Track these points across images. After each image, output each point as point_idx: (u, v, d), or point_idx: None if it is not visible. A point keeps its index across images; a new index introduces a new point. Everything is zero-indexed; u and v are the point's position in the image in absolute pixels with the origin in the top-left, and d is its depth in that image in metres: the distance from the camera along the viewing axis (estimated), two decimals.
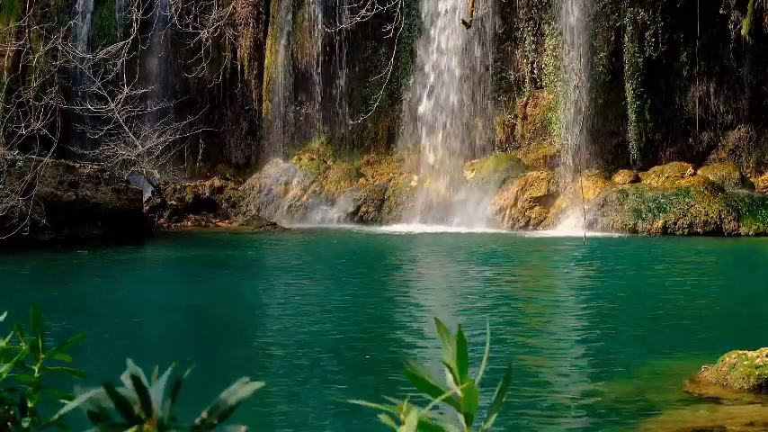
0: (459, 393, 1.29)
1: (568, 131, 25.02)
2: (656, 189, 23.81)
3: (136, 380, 1.17)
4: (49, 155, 16.50)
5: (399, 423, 1.27)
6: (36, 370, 1.76)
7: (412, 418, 1.26)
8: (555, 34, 25.46)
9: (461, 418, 1.30)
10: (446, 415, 1.32)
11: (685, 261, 18.32)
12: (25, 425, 1.68)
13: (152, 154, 26.91)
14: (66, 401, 1.47)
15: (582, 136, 24.94)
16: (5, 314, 1.93)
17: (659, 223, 22.81)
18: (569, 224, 23.47)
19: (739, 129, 25.44)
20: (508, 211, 24.69)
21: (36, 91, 17.78)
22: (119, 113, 22.37)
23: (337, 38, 28.12)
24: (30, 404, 1.71)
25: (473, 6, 18.92)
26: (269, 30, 29.35)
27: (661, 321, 11.64)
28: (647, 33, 24.93)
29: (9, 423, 1.69)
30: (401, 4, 21.55)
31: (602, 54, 25.17)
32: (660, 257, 18.70)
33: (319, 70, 28.71)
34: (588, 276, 16.75)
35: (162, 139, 27.07)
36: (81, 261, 18.55)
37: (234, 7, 27.45)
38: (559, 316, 12.62)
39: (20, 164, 18.94)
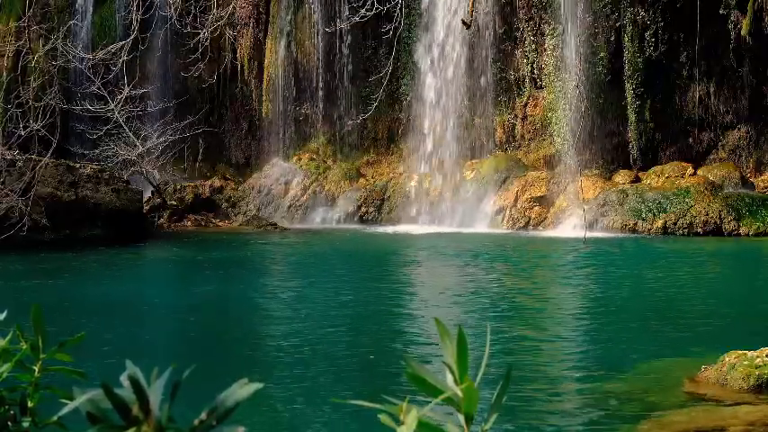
0: (460, 393, 1.29)
1: (568, 131, 25.01)
2: (656, 189, 23.80)
3: (134, 381, 1.16)
4: (48, 155, 16.49)
5: (399, 423, 1.27)
6: (36, 370, 1.76)
7: (412, 418, 1.25)
8: (555, 34, 25.45)
9: (461, 418, 1.30)
10: (446, 415, 1.32)
11: (685, 261, 18.31)
12: (25, 424, 1.68)
13: (152, 154, 26.90)
14: (66, 401, 1.47)
15: (582, 136, 24.92)
16: (5, 313, 1.93)
17: (659, 223, 22.81)
18: (569, 224, 23.46)
19: (739, 129, 25.42)
20: (508, 211, 24.69)
21: (35, 91, 17.76)
22: (119, 113, 22.36)
23: (337, 38, 28.11)
24: (30, 404, 1.71)
25: (473, 6, 18.92)
26: (269, 30, 29.34)
27: (661, 321, 11.64)
28: (647, 33, 24.92)
29: (9, 422, 1.69)
30: (401, 4, 21.53)
31: (602, 54, 25.16)
32: (660, 257, 18.70)
33: (319, 70, 28.70)
34: (588, 276, 16.75)
35: (162, 139, 27.07)
36: (81, 261, 18.54)
37: (234, 7, 27.45)
38: (559, 316, 12.62)
39: (20, 164, 18.94)
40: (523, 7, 26.07)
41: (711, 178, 24.28)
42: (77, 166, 22.10)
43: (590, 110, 25.12)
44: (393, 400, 1.29)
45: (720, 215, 22.66)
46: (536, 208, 24.56)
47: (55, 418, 1.65)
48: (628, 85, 25.10)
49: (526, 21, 26.14)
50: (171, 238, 23.35)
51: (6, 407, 1.70)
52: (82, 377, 1.75)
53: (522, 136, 26.59)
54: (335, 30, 26.20)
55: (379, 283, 15.73)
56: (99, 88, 21.02)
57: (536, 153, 26.14)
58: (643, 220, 22.99)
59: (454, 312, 12.39)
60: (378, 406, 1.30)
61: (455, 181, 26.14)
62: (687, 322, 11.54)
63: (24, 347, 1.78)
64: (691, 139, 25.60)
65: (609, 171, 25.18)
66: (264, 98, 29.43)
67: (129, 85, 19.22)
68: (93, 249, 19.57)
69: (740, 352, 8.13)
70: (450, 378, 1.30)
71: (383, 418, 1.29)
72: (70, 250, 19.23)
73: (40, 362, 1.76)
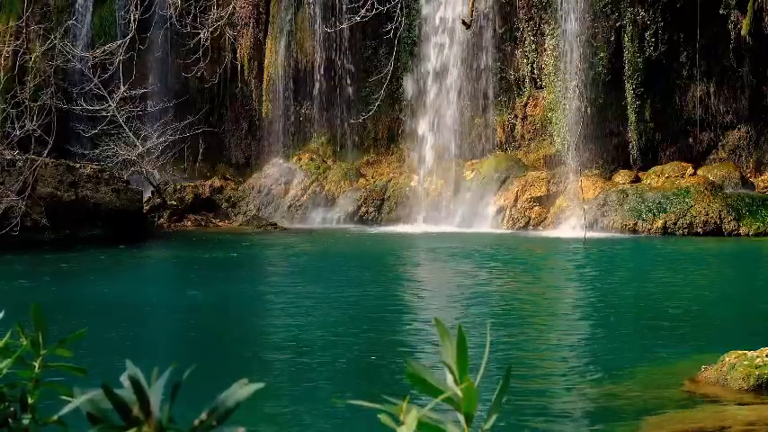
0: (459, 393, 1.29)
1: (568, 131, 25.00)
2: (656, 189, 23.80)
3: (134, 381, 1.16)
4: (45, 155, 16.48)
5: (399, 423, 1.27)
6: (36, 366, 1.76)
7: (412, 418, 1.25)
8: (555, 34, 25.45)
9: (461, 418, 1.30)
10: (446, 415, 1.32)
11: (685, 261, 18.31)
12: (25, 422, 1.67)
13: (152, 154, 26.89)
14: (66, 398, 1.47)
15: (582, 136, 24.92)
16: (3, 312, 1.93)
17: (659, 223, 22.80)
18: (569, 224, 23.46)
19: (739, 129, 25.41)
20: (508, 211, 24.68)
21: (32, 91, 17.76)
22: (118, 113, 22.36)
23: (337, 38, 28.10)
24: (30, 400, 1.71)
25: (473, 6, 18.92)
26: (269, 30, 29.33)
27: (661, 321, 11.64)
28: (647, 33, 24.91)
29: (9, 419, 1.68)
30: (401, 4, 21.55)
31: (602, 54, 25.16)
32: (660, 258, 18.69)
33: (319, 70, 28.69)
34: (588, 276, 16.75)
35: (162, 139, 27.05)
36: (81, 261, 18.53)
37: (234, 7, 27.45)
38: (559, 316, 12.62)
39: (19, 164, 18.94)
40: (523, 7, 26.07)
41: (711, 178, 24.27)
42: (77, 166, 22.09)
43: (590, 110, 25.11)
44: (393, 400, 1.29)
45: (720, 215, 22.66)
46: (536, 208, 24.56)
47: (55, 417, 1.65)
48: (628, 85, 25.09)
49: (526, 21, 26.13)
50: (171, 238, 23.35)
51: (6, 403, 1.70)
52: (83, 373, 1.75)
53: (522, 136, 26.58)
54: (335, 30, 26.19)
55: (379, 284, 15.73)
56: (99, 88, 21.03)
57: (536, 153, 26.13)
58: (643, 220, 22.98)
59: (454, 312, 12.39)
60: (378, 406, 1.30)
61: (455, 181, 26.13)
62: (687, 322, 11.54)
63: (24, 344, 1.78)
64: (691, 139, 25.59)
65: (609, 171, 25.17)
66: (264, 98, 29.42)
67: (126, 85, 19.22)
68: (93, 249, 19.56)
69: (740, 352, 8.13)
70: (449, 378, 1.30)
71: (383, 418, 1.29)
72: (70, 250, 19.22)
73: (41, 358, 1.76)
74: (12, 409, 1.70)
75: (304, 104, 29.06)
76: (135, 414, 1.16)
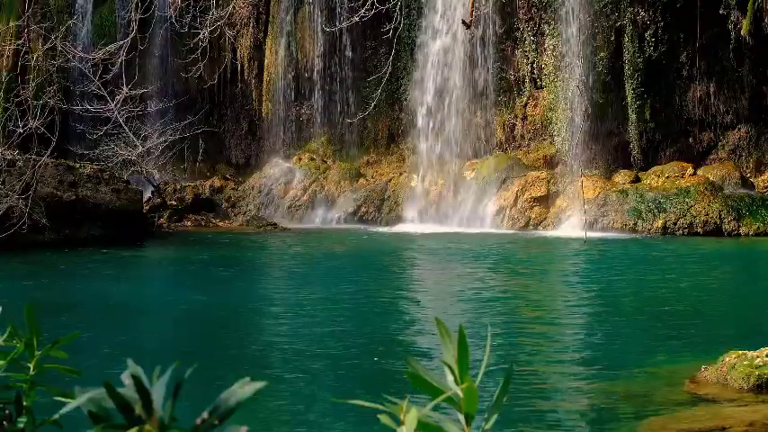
0: (460, 393, 1.29)
1: (568, 131, 25.00)
2: (656, 189, 23.80)
3: (137, 380, 1.17)
4: (47, 154, 16.48)
5: (399, 423, 1.27)
6: (31, 368, 1.76)
7: (412, 418, 1.26)
8: (555, 34, 25.44)
9: (462, 418, 1.30)
10: (447, 415, 1.32)
11: (685, 261, 18.32)
12: (20, 425, 1.67)
13: (152, 154, 26.89)
14: (62, 399, 1.47)
15: (582, 136, 24.91)
16: (1, 308, 1.93)
17: (659, 223, 22.80)
18: (569, 224, 23.46)
19: (739, 129, 25.41)
20: (508, 211, 24.68)
21: (35, 90, 17.76)
22: (118, 113, 22.37)
23: (337, 38, 28.10)
24: (25, 402, 1.70)
25: (473, 6, 18.91)
26: (269, 30, 29.34)
27: (661, 321, 11.64)
28: (647, 33, 24.91)
29: (5, 422, 1.68)
30: (401, 5, 21.54)
31: (602, 54, 25.15)
32: (660, 258, 18.70)
33: (319, 70, 28.70)
34: (588, 276, 16.75)
35: (162, 139, 27.05)
36: (81, 261, 18.52)
37: (234, 7, 27.44)
38: (560, 316, 12.63)
39: (20, 164, 18.93)
40: (523, 7, 26.06)
41: (711, 178, 24.27)
42: (77, 166, 22.07)
43: (590, 110, 25.10)
44: (393, 400, 1.30)
45: (720, 215, 22.66)
46: (536, 208, 24.55)
47: (56, 416, 1.65)
48: (628, 85, 25.08)
49: (526, 21, 26.13)
50: (171, 238, 23.35)
51: (1, 406, 1.69)
52: (77, 375, 1.75)
53: (522, 136, 26.58)
54: (335, 30, 26.19)
55: (380, 284, 15.73)
56: (99, 88, 21.04)
57: (536, 153, 26.13)
58: (643, 220, 22.98)
59: (455, 312, 12.39)
60: (378, 406, 1.31)
61: (455, 181, 26.13)
62: (687, 322, 11.54)
63: (19, 345, 1.78)
64: (691, 139, 25.59)
65: (609, 171, 25.16)
66: (264, 98, 29.42)
67: (128, 85, 19.23)
68: (93, 249, 19.55)
69: (740, 352, 8.14)
70: (450, 378, 1.30)
71: (383, 418, 1.30)
72: (70, 250, 19.21)
73: (35, 359, 1.76)
74: (7, 411, 1.69)
75: (304, 104, 29.06)
76: (137, 413, 1.16)
